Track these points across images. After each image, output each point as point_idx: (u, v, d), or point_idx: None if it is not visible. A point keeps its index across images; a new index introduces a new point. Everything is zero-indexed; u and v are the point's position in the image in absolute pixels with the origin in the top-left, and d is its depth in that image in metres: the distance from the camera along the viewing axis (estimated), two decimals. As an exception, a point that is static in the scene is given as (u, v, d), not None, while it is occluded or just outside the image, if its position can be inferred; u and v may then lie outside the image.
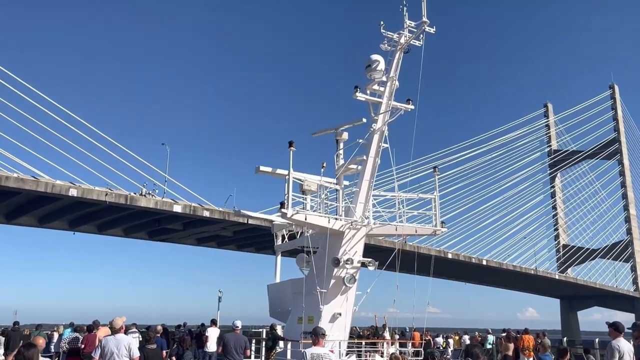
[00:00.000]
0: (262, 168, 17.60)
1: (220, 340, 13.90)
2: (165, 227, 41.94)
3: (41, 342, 8.24)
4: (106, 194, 33.43)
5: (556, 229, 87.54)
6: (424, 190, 20.53)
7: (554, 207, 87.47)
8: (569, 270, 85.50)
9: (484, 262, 64.89)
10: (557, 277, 78.78)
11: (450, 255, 59.76)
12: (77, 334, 16.56)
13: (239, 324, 13.94)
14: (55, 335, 20.74)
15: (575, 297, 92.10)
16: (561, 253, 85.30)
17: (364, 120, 17.15)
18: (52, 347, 20.34)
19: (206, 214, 38.62)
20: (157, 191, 37.21)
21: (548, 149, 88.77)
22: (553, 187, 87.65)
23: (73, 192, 32.10)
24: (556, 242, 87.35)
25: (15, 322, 21.34)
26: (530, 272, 72.21)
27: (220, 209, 39.70)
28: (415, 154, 52.25)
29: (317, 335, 9.05)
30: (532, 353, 18.58)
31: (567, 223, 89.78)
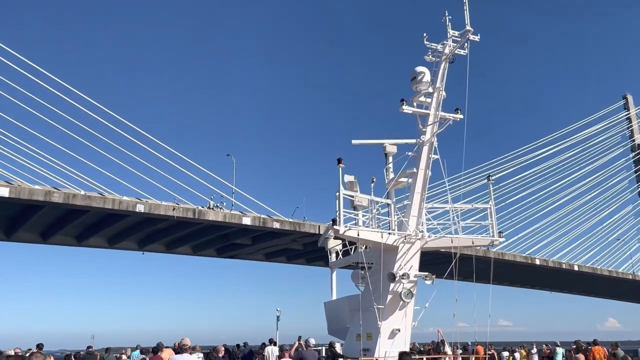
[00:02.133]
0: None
1: (298, 356, 14.51)
2: (234, 242, 40.72)
3: None
4: (174, 209, 32.73)
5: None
6: (485, 200, 19.72)
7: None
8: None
9: (576, 268, 58.11)
10: (662, 281, 69.65)
11: (538, 262, 53.79)
12: (144, 356, 17.19)
13: (313, 341, 14.98)
14: (124, 358, 21.63)
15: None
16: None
17: (414, 140, 17.06)
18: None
19: (276, 225, 37.01)
20: (224, 204, 35.58)
21: (632, 143, 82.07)
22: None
23: (140, 208, 31.66)
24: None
25: (89, 346, 22.47)
26: (628, 278, 64.44)
27: (290, 220, 38.10)
28: (473, 162, 49.68)
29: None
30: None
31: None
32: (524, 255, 52.11)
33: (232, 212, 35.55)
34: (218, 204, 34.87)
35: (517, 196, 51.97)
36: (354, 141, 18.03)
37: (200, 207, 34.03)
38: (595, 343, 19.73)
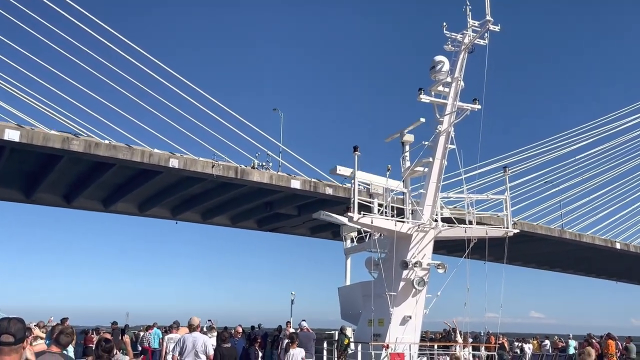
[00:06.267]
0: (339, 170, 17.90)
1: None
2: (278, 212, 35.73)
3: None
4: (213, 166, 27.96)
5: None
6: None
7: None
8: None
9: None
10: None
11: (618, 246, 47.32)
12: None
13: (304, 324, 16.57)
14: (141, 334, 22.49)
15: None
16: None
17: (423, 119, 17.19)
18: (139, 345, 22.19)
19: (329, 191, 31.44)
20: (271, 164, 30.69)
21: None
22: None
23: (174, 163, 26.94)
24: None
25: (113, 322, 23.34)
26: None
27: (345, 186, 32.09)
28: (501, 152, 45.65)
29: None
30: (615, 359, 17.76)
31: None
32: (603, 238, 46.54)
33: (279, 173, 30.92)
34: (264, 163, 30.28)
35: (595, 171, 45.45)
36: (387, 139, 18.53)
37: (243, 166, 29.58)
38: (609, 336, 19.85)
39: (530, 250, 45.23)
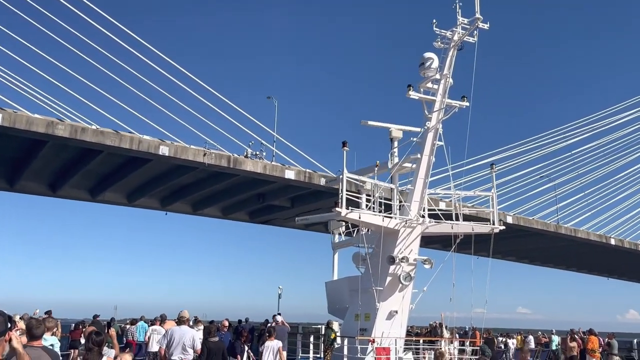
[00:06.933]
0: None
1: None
2: (270, 204, 34.87)
3: None
4: (204, 154, 27.12)
5: None
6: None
7: None
8: None
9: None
10: None
11: (613, 242, 46.65)
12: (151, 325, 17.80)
13: (280, 318, 17.68)
14: (127, 327, 22.46)
15: None
16: None
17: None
18: (124, 338, 22.23)
19: (323, 182, 30.54)
20: (264, 154, 29.79)
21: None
22: None
23: (164, 151, 26.09)
24: None
25: (95, 315, 23.20)
26: None
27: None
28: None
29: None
30: (597, 355, 18.06)
31: None
32: (598, 233, 46.10)
33: (273, 163, 29.98)
34: (257, 152, 29.34)
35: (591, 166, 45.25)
36: (363, 122, 18.37)
37: (236, 155, 28.60)
38: (591, 332, 20.15)
39: (525, 245, 45.43)
